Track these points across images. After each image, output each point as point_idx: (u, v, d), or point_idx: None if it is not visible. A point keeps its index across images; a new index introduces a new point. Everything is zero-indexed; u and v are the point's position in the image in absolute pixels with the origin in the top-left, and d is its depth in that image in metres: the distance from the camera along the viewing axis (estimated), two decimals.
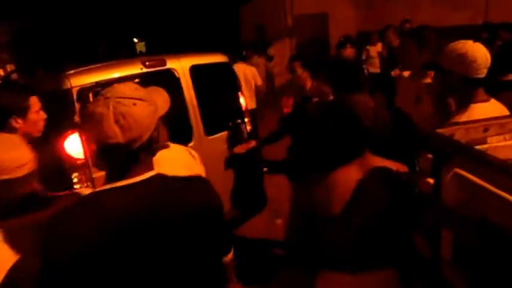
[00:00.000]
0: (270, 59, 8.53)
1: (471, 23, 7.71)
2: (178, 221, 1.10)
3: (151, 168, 1.12)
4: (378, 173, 1.44)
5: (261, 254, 3.50)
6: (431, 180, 1.30)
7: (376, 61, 6.16)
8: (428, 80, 2.40)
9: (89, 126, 1.04)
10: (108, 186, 1.07)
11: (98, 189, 1.10)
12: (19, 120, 1.75)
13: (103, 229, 1.00)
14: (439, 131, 1.25)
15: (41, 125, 1.86)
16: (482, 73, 1.64)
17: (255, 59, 6.72)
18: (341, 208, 1.43)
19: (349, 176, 1.44)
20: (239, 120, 3.46)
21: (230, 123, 3.40)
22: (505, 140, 1.37)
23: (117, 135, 1.01)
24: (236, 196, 3.39)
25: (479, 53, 1.64)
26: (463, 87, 1.65)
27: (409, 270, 1.54)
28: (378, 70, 5.90)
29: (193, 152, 2.05)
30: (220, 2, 13.32)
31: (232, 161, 3.32)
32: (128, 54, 7.44)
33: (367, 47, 6.54)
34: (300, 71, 3.00)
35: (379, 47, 6.24)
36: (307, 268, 1.61)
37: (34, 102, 1.82)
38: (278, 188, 3.87)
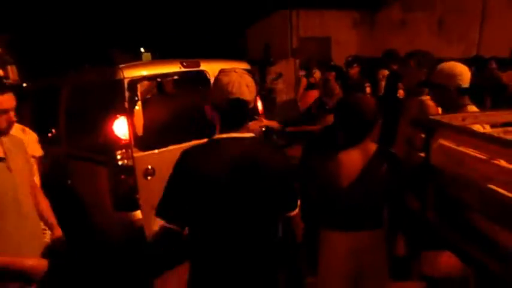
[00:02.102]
0: (279, 76, 9.39)
1: (464, 56, 8.35)
2: (264, 174, 1.49)
3: (250, 131, 1.57)
4: (378, 154, 1.91)
5: None
6: (422, 154, 1.76)
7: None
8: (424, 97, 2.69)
9: (224, 90, 1.46)
10: (225, 136, 1.50)
11: (219, 136, 1.51)
12: None
13: (222, 165, 1.44)
14: (430, 117, 1.73)
15: (1, 125, 1.79)
16: (468, 83, 2.11)
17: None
18: (349, 182, 1.89)
19: (354, 156, 1.92)
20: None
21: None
22: (483, 128, 1.84)
23: (247, 94, 1.48)
24: None
25: (464, 67, 2.13)
26: (458, 96, 2.09)
27: (395, 228, 1.99)
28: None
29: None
30: (228, 20, 13.98)
31: None
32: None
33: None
34: (333, 80, 3.65)
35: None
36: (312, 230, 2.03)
37: None
38: None
